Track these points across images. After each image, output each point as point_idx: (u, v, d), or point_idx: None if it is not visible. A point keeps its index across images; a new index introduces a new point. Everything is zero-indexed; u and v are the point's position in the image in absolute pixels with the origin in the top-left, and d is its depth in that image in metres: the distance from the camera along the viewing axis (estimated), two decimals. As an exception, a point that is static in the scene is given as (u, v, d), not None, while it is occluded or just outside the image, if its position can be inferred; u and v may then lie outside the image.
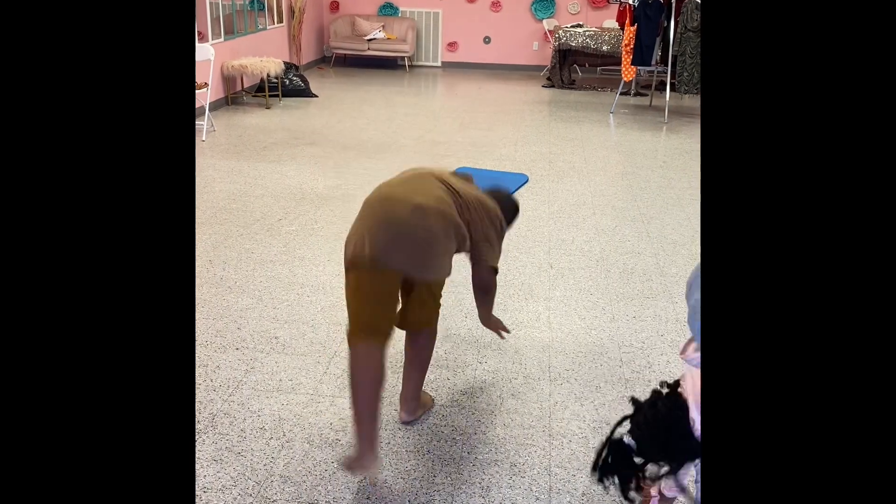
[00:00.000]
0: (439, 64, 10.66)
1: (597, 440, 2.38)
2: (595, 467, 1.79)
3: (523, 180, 5.18)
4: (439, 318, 2.41)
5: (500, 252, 2.43)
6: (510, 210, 2.54)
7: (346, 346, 2.88)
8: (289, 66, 8.14)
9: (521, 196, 4.90)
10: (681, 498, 1.94)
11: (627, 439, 1.76)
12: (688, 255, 3.98)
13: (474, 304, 3.39)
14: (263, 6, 8.68)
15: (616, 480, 1.76)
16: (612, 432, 1.80)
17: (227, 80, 7.56)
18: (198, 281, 3.49)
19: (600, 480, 1.79)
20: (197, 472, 2.20)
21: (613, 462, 1.77)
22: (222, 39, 7.45)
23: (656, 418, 1.73)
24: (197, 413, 2.48)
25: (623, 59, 7.53)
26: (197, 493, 2.12)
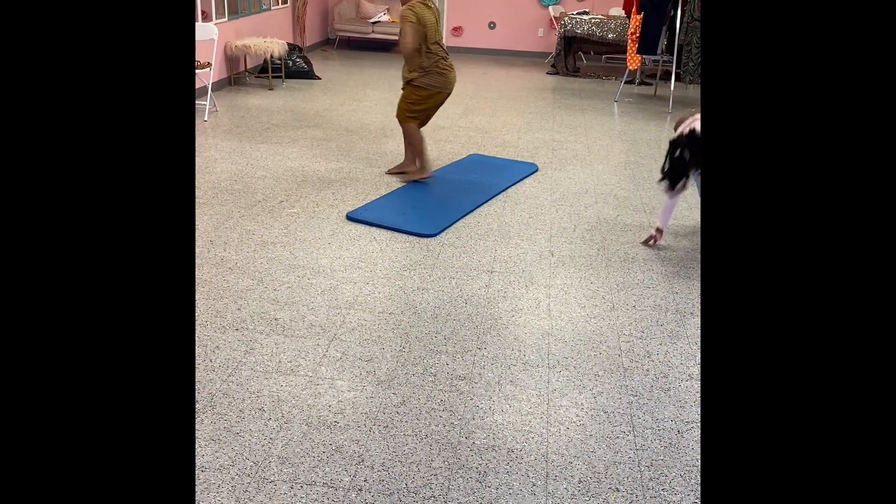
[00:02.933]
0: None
1: (594, 428, 2.39)
2: (665, 174, 3.65)
3: (533, 169, 5.17)
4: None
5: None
6: None
7: (344, 329, 2.91)
8: (292, 48, 8.10)
9: (525, 183, 4.89)
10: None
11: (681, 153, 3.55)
12: (689, 245, 3.98)
13: (474, 290, 3.40)
14: (268, -14, 8.61)
15: (673, 178, 3.61)
16: (672, 153, 3.60)
17: (231, 60, 7.52)
18: (198, 261, 3.48)
19: (670, 182, 3.64)
20: (195, 451, 2.21)
21: (677, 167, 3.58)
22: (226, 19, 7.40)
23: (693, 138, 3.53)
24: (196, 393, 2.48)
25: (628, 47, 7.49)
26: (195, 472, 2.12)
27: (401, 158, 5.18)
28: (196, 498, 2.03)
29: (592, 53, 10.13)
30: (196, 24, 6.44)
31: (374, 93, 7.57)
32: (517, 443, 2.31)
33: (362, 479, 2.13)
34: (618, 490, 2.13)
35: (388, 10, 10.17)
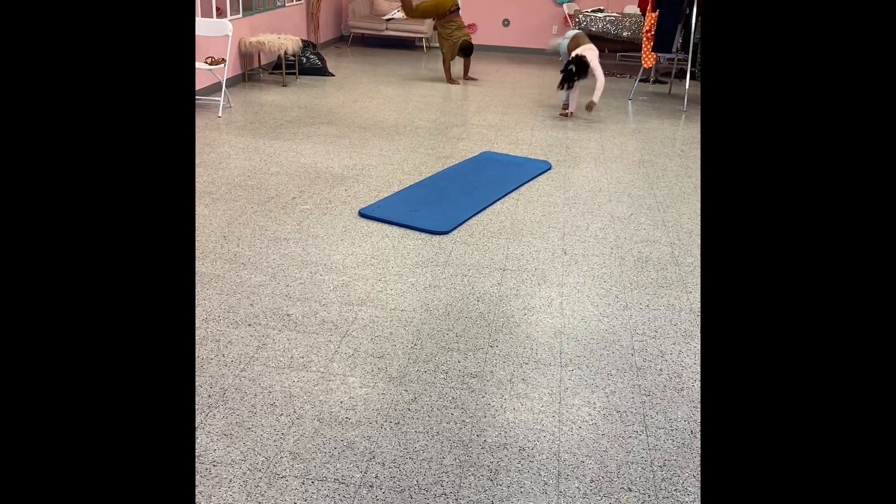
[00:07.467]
0: (457, 46, 10.57)
1: (607, 427, 2.38)
2: (562, 81, 6.34)
3: (546, 167, 5.15)
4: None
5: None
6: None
7: (356, 325, 2.91)
8: (306, 45, 8.11)
9: (538, 181, 4.87)
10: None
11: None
12: (703, 244, 3.95)
13: (486, 288, 3.39)
14: (282, -17, 8.62)
15: (568, 82, 6.28)
16: (567, 67, 6.28)
17: (245, 56, 7.54)
18: (211, 256, 3.50)
19: (566, 84, 6.39)
20: (207, 446, 2.21)
21: (568, 76, 6.25)
22: (240, 15, 7.42)
23: (580, 62, 6.21)
24: (208, 388, 2.49)
25: (643, 45, 7.44)
26: (206, 466, 2.13)
27: (413, 156, 5.20)
28: (207, 493, 2.04)
29: (607, 51, 10.06)
30: (210, 20, 6.45)
31: (388, 90, 7.56)
32: (529, 441, 2.30)
33: (373, 475, 2.13)
34: (630, 490, 2.12)
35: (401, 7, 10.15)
